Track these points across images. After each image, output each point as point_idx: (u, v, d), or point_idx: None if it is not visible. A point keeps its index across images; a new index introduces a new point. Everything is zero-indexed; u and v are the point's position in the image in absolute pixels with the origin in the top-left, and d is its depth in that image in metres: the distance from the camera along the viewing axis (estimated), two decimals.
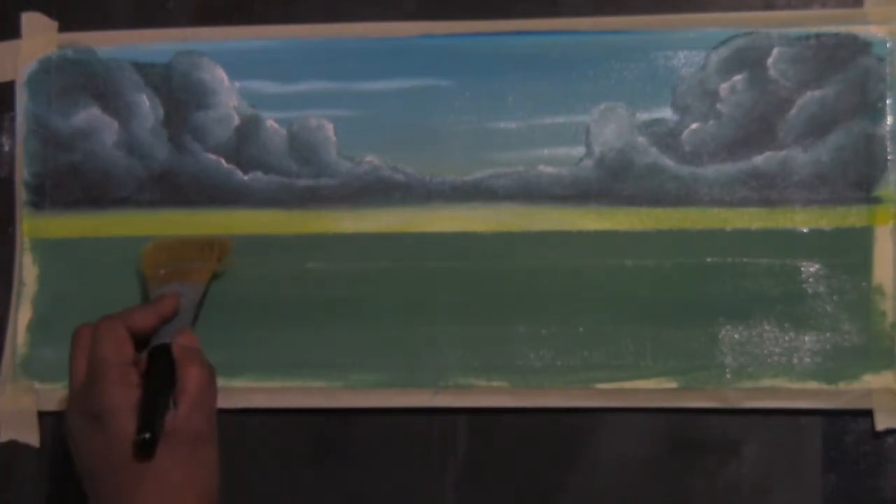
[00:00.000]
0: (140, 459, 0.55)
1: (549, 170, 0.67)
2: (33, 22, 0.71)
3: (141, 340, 0.60)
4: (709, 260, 0.66)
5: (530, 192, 0.67)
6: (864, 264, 0.65)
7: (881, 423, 0.64)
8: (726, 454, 0.65)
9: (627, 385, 0.66)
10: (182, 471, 0.56)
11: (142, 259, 0.67)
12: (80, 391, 0.58)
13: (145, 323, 0.61)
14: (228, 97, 0.70)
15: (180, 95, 0.70)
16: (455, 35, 0.69)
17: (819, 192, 0.66)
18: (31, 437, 0.69)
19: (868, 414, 0.64)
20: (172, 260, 0.66)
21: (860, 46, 0.66)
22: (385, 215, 0.68)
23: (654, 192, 0.67)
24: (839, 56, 0.66)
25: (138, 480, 0.55)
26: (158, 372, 0.59)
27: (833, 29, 0.66)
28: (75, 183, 0.70)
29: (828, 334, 0.65)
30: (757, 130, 0.67)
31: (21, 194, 0.70)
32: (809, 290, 0.65)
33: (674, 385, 0.65)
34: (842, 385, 0.64)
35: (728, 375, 0.65)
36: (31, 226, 0.70)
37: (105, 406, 0.56)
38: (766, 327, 0.65)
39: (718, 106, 0.67)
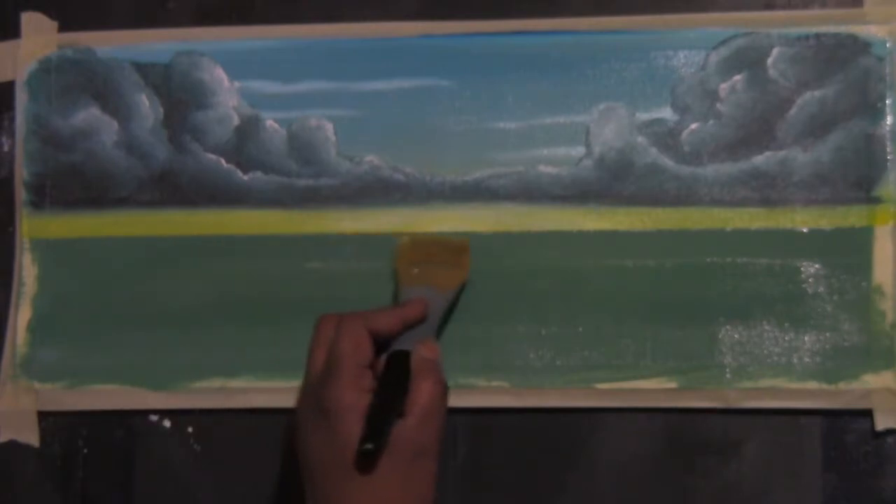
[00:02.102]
0: (360, 467, 0.54)
1: (549, 170, 0.67)
2: (33, 22, 0.71)
3: (382, 342, 0.59)
4: (709, 260, 0.66)
5: (530, 192, 0.67)
6: (864, 264, 0.65)
7: (881, 423, 0.64)
8: (726, 454, 0.65)
9: (627, 385, 0.66)
10: (399, 485, 0.54)
11: (397, 252, 0.66)
12: (314, 383, 0.57)
13: (389, 326, 0.59)
14: (228, 97, 0.70)
15: (180, 95, 0.70)
16: (455, 35, 0.69)
17: (819, 192, 0.66)
18: (31, 437, 0.69)
19: (868, 414, 0.64)
20: (427, 260, 0.65)
21: (860, 46, 0.66)
22: (385, 215, 0.68)
23: (654, 192, 0.67)
24: (839, 56, 0.66)
25: (354, 486, 0.54)
26: (393, 379, 0.57)
27: (833, 29, 0.66)
28: (75, 183, 0.70)
29: (828, 334, 0.65)
30: (757, 130, 0.67)
31: (21, 194, 0.70)
32: (809, 290, 0.65)
33: (674, 385, 0.65)
34: (842, 385, 0.64)
35: (728, 375, 0.65)
36: (30, 226, 0.70)
37: (335, 405, 0.55)
38: (766, 327, 0.65)
39: (718, 106, 0.67)
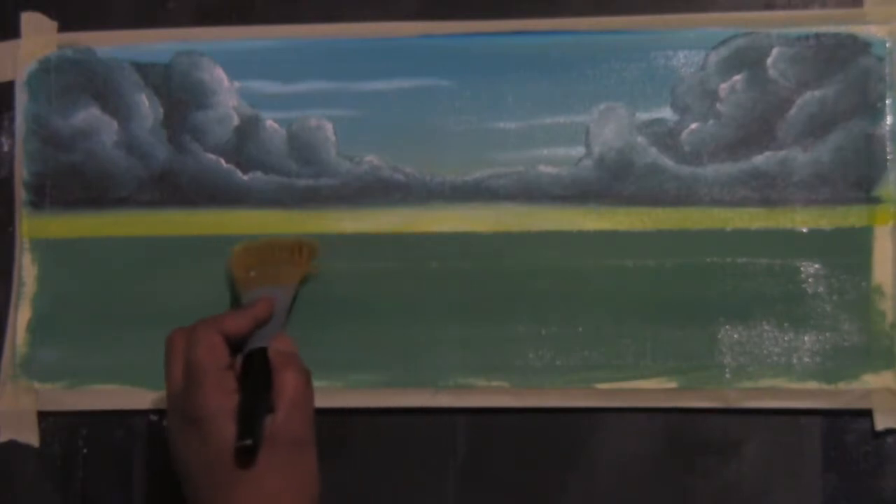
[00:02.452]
0: (240, 465, 0.54)
1: (549, 170, 0.67)
2: (33, 22, 0.71)
3: (235, 345, 0.60)
4: (709, 260, 0.66)
5: (530, 192, 0.67)
6: (863, 264, 0.65)
7: (881, 423, 0.64)
8: (726, 454, 0.65)
9: (627, 385, 0.66)
10: (281, 477, 0.55)
11: (231, 261, 0.66)
12: (177, 396, 0.58)
13: (240, 328, 0.60)
14: (228, 97, 0.70)
15: (180, 95, 0.70)
16: (455, 35, 0.69)
17: (819, 192, 0.66)
18: (31, 437, 0.69)
19: (868, 414, 0.64)
20: (262, 262, 0.66)
21: (860, 46, 0.66)
22: (385, 215, 0.68)
23: (654, 192, 0.67)
24: (839, 56, 0.66)
25: (237, 486, 0.54)
26: (255, 376, 0.58)
27: (833, 29, 0.67)
28: (75, 183, 0.70)
29: (828, 334, 0.65)
30: (757, 130, 0.67)
31: (21, 194, 0.70)
32: (809, 290, 0.65)
33: (674, 385, 0.65)
34: (841, 385, 0.64)
35: (728, 375, 0.65)
36: (30, 226, 0.70)
37: (203, 412, 0.55)
38: (766, 327, 0.65)
39: (718, 106, 0.67)
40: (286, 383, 0.57)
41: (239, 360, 0.59)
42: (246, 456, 0.54)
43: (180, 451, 0.57)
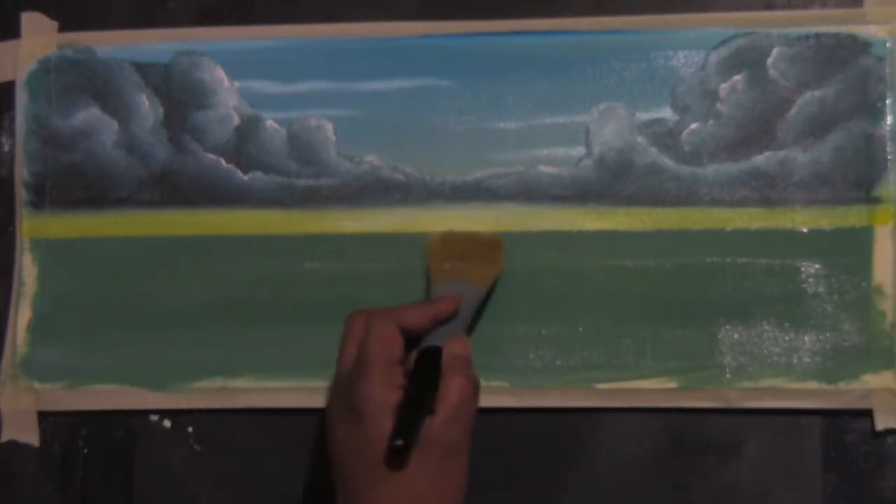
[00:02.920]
0: (390, 464, 0.53)
1: (549, 170, 0.67)
2: (33, 22, 0.71)
3: (413, 338, 0.59)
4: (709, 260, 0.66)
5: (530, 192, 0.67)
6: (864, 264, 0.65)
7: (881, 423, 0.64)
8: (726, 454, 0.65)
9: (627, 385, 0.66)
10: (429, 481, 0.54)
11: (429, 248, 0.66)
12: (344, 381, 0.57)
13: (419, 323, 0.59)
14: (228, 97, 0.70)
15: (180, 95, 0.70)
16: (455, 35, 0.69)
17: (819, 192, 0.66)
18: (31, 437, 0.69)
19: (868, 414, 0.64)
20: (460, 255, 0.65)
21: (860, 46, 0.66)
22: (385, 215, 0.68)
23: (654, 192, 0.67)
24: (839, 56, 0.66)
25: (384, 483, 0.53)
26: (423, 375, 0.57)
27: (833, 29, 0.66)
28: (75, 183, 0.70)
29: (828, 334, 0.65)
30: (757, 130, 0.67)
31: (21, 194, 0.70)
32: (809, 290, 0.65)
33: (674, 385, 0.65)
34: (842, 385, 0.64)
35: (728, 375, 0.65)
36: (30, 226, 0.70)
37: (365, 402, 0.54)
38: (766, 327, 0.65)
39: (718, 106, 0.67)
40: (452, 388, 0.56)
41: (413, 356, 0.58)
42: (397, 455, 0.53)
43: (336, 437, 0.56)
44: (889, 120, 0.66)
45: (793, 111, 0.66)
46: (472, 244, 0.65)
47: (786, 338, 0.65)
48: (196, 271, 0.69)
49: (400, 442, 0.52)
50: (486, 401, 0.66)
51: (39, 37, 0.71)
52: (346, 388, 0.56)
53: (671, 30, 0.67)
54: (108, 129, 0.70)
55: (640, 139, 0.67)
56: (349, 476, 0.55)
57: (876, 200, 0.65)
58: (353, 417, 0.55)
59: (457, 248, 0.65)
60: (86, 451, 0.69)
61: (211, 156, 0.70)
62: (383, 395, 0.55)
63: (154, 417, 0.68)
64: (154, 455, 0.69)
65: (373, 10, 0.70)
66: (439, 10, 0.69)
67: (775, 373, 0.65)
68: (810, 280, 0.65)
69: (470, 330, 0.64)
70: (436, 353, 0.58)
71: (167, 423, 0.68)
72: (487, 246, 0.66)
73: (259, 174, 0.69)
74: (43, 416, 0.69)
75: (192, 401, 0.68)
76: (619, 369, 0.66)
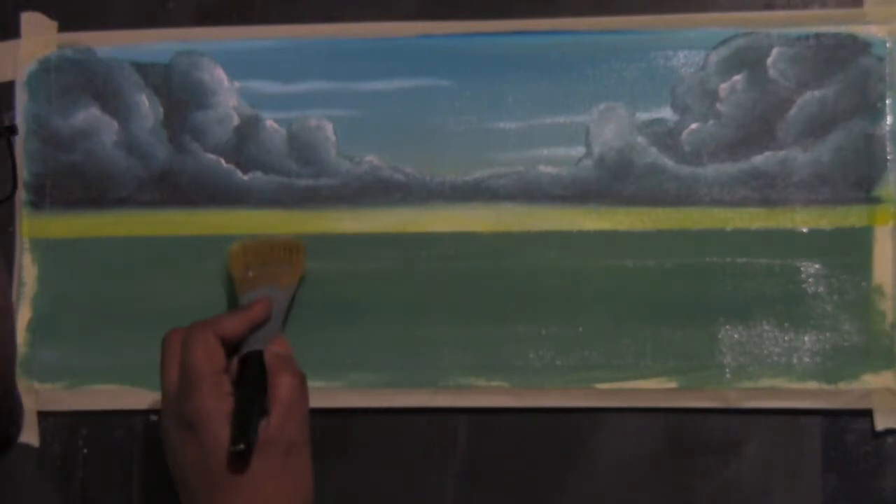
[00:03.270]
0: (234, 470, 0.54)
1: (549, 170, 0.67)
2: (33, 22, 0.71)
3: (231, 346, 0.60)
4: (709, 260, 0.66)
5: (530, 192, 0.67)
6: (864, 264, 0.65)
7: (881, 423, 0.64)
8: (726, 454, 0.65)
9: (627, 385, 0.66)
10: (276, 481, 0.55)
11: (230, 259, 0.66)
12: (173, 399, 0.58)
13: (237, 330, 0.60)
14: (228, 97, 0.70)
15: (180, 95, 0.70)
16: (455, 35, 0.69)
17: (819, 192, 0.66)
18: (31, 437, 0.69)
19: (868, 414, 0.64)
20: (261, 261, 0.65)
21: (860, 46, 0.66)
22: (385, 215, 0.68)
23: (654, 192, 0.67)
24: (839, 56, 0.66)
25: (232, 490, 0.54)
26: (250, 379, 0.58)
27: (832, 29, 0.66)
28: (75, 183, 0.70)
29: (828, 334, 0.65)
30: (757, 130, 0.67)
31: (21, 194, 0.70)
32: (809, 290, 0.65)
33: (674, 385, 0.65)
34: (842, 385, 0.64)
35: (728, 375, 0.65)
36: (30, 226, 0.70)
37: (198, 416, 0.55)
38: (766, 327, 0.65)
39: (718, 106, 0.67)
40: (281, 387, 0.57)
41: (235, 363, 0.59)
42: (240, 460, 0.54)
43: (176, 454, 0.57)
44: (889, 120, 0.66)
45: (793, 111, 0.66)
46: (271, 249, 0.66)
47: (786, 338, 0.65)
48: (196, 271, 0.69)
49: (242, 446, 0.54)
50: (486, 401, 0.66)
51: (39, 37, 0.71)
52: (176, 406, 0.57)
53: (671, 30, 0.67)
54: (108, 129, 0.70)
55: (640, 139, 0.67)
56: (195, 489, 0.56)
57: (876, 200, 0.65)
58: (189, 433, 0.56)
59: (258, 255, 0.66)
60: (86, 451, 0.69)
61: (211, 156, 0.70)
62: (215, 405, 0.56)
63: (154, 417, 0.68)
64: (154, 455, 0.68)
65: (373, 10, 0.70)
66: (439, 10, 0.69)
67: (775, 373, 0.65)
68: (810, 280, 0.65)
69: (282, 329, 0.64)
70: (258, 356, 0.59)
71: (162, 424, 0.68)
72: (287, 248, 0.66)
73: (259, 174, 0.69)
74: (43, 416, 0.69)
75: None
76: (619, 369, 0.66)
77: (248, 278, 0.65)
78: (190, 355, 0.57)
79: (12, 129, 0.54)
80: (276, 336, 0.61)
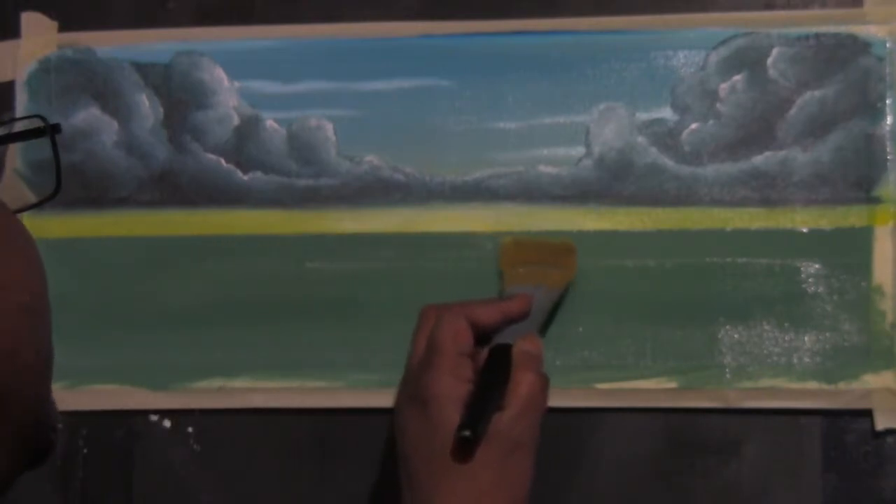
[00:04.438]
0: (456, 456, 0.53)
1: (549, 170, 0.67)
2: (33, 22, 0.71)
3: (485, 335, 0.59)
4: (709, 260, 0.66)
5: (530, 192, 0.67)
6: (863, 264, 0.65)
7: (881, 423, 0.64)
8: (726, 454, 0.65)
9: (627, 385, 0.66)
10: (495, 475, 0.54)
11: (501, 253, 0.66)
12: (413, 370, 0.57)
13: (488, 318, 0.59)
14: (228, 97, 0.70)
15: (180, 95, 0.70)
16: (455, 35, 0.69)
17: (819, 192, 0.66)
18: None
19: (868, 414, 0.64)
20: (533, 260, 0.65)
21: (860, 46, 0.66)
22: (385, 215, 0.68)
23: (654, 192, 0.67)
24: (839, 56, 0.66)
25: (449, 474, 0.53)
26: (494, 371, 0.57)
27: (832, 29, 0.66)
28: (75, 183, 0.70)
29: (828, 334, 0.65)
30: (757, 130, 0.67)
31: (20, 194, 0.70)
32: (809, 290, 0.65)
33: (674, 385, 0.65)
34: (842, 385, 0.64)
35: (728, 375, 0.65)
36: (30, 225, 0.69)
37: (432, 393, 0.55)
38: (766, 327, 0.65)
39: (718, 106, 0.67)
40: (523, 384, 0.56)
41: (484, 352, 0.58)
42: (464, 447, 0.53)
43: (403, 429, 0.56)
44: (889, 120, 0.66)
45: (793, 111, 0.66)
46: (543, 249, 0.65)
47: (786, 338, 0.65)
48: (196, 271, 0.69)
49: (468, 433, 0.52)
50: None
51: (39, 37, 0.71)
52: (414, 379, 0.57)
53: (671, 30, 0.67)
54: (108, 129, 0.70)
55: (640, 139, 0.67)
56: (414, 467, 0.55)
57: (876, 200, 0.65)
58: (420, 408, 0.55)
59: (530, 253, 0.65)
60: (86, 451, 0.69)
61: (211, 156, 0.70)
62: (451, 385, 0.55)
63: (154, 417, 0.68)
64: (154, 455, 0.68)
65: (373, 10, 0.70)
66: (439, 10, 0.69)
67: (775, 373, 0.65)
68: (810, 280, 0.65)
69: (542, 334, 0.64)
70: (506, 349, 0.58)
71: (167, 423, 0.68)
72: (560, 251, 0.65)
73: (259, 174, 0.69)
74: None
75: (192, 401, 0.68)
76: (619, 369, 0.66)
77: (516, 274, 0.64)
78: (438, 332, 0.57)
79: (56, 128, 0.54)
80: (530, 333, 0.60)
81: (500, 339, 0.59)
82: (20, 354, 0.39)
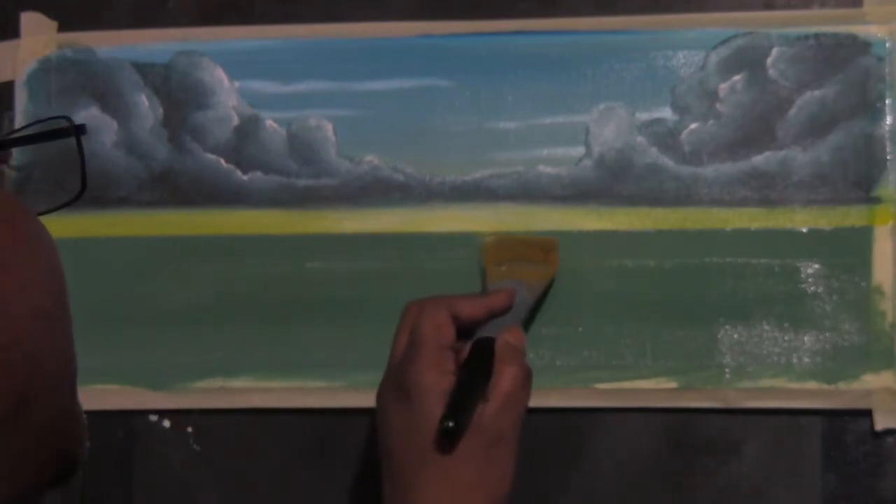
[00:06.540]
0: (439, 448, 0.53)
1: (549, 170, 0.67)
2: (33, 22, 0.71)
3: (466, 328, 0.59)
4: (709, 260, 0.66)
5: (530, 192, 0.67)
6: (863, 264, 0.65)
7: (881, 423, 0.64)
8: (726, 454, 0.65)
9: (627, 385, 0.66)
10: (476, 468, 0.54)
11: (483, 252, 0.66)
12: (396, 364, 0.57)
13: (472, 312, 0.59)
14: (228, 97, 0.70)
15: (180, 95, 0.70)
16: (455, 35, 0.69)
17: (819, 192, 0.66)
18: None
19: (868, 414, 0.64)
20: (515, 257, 0.65)
21: (860, 46, 0.66)
22: (385, 215, 0.68)
23: (654, 192, 0.67)
24: (839, 56, 0.66)
25: (431, 467, 0.53)
26: (477, 364, 0.57)
27: (832, 29, 0.66)
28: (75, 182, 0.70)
29: (827, 334, 0.65)
30: (756, 130, 0.67)
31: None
32: (809, 290, 0.65)
33: (674, 385, 0.65)
34: (841, 385, 0.64)
35: (728, 375, 0.65)
36: None
37: (415, 384, 0.55)
38: (766, 327, 0.65)
39: (718, 106, 0.67)
40: (506, 376, 0.56)
41: (467, 346, 0.58)
42: (447, 439, 0.53)
43: (386, 421, 0.56)
44: (889, 120, 0.66)
45: (793, 111, 0.66)
46: (526, 246, 0.66)
47: (785, 338, 0.65)
48: (196, 271, 0.69)
49: (451, 424, 0.52)
50: None
51: (39, 37, 0.71)
52: (397, 371, 0.57)
53: (671, 30, 0.67)
54: (107, 129, 0.70)
55: (640, 139, 0.67)
56: (396, 459, 0.55)
57: (876, 200, 0.65)
58: (403, 400, 0.55)
59: (511, 250, 0.65)
60: None
61: (211, 156, 0.70)
62: (434, 378, 0.55)
63: (154, 417, 0.68)
64: (154, 455, 0.68)
65: (373, 10, 0.70)
66: (439, 9, 0.69)
67: (775, 373, 0.65)
68: (810, 280, 0.65)
69: (526, 329, 0.64)
70: (489, 342, 0.58)
71: (167, 423, 0.68)
72: (542, 247, 0.66)
73: (259, 174, 0.69)
74: None
75: (192, 401, 0.68)
76: (619, 369, 0.66)
77: (498, 272, 0.64)
78: (420, 325, 0.57)
79: (81, 129, 0.53)
80: (513, 327, 0.60)
81: (482, 333, 0.59)
82: (38, 358, 0.38)
